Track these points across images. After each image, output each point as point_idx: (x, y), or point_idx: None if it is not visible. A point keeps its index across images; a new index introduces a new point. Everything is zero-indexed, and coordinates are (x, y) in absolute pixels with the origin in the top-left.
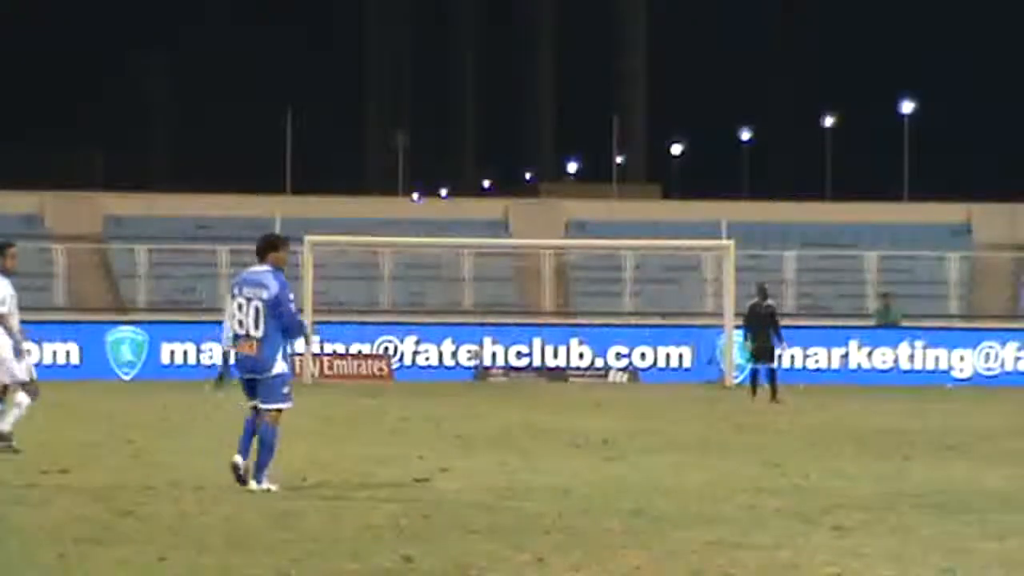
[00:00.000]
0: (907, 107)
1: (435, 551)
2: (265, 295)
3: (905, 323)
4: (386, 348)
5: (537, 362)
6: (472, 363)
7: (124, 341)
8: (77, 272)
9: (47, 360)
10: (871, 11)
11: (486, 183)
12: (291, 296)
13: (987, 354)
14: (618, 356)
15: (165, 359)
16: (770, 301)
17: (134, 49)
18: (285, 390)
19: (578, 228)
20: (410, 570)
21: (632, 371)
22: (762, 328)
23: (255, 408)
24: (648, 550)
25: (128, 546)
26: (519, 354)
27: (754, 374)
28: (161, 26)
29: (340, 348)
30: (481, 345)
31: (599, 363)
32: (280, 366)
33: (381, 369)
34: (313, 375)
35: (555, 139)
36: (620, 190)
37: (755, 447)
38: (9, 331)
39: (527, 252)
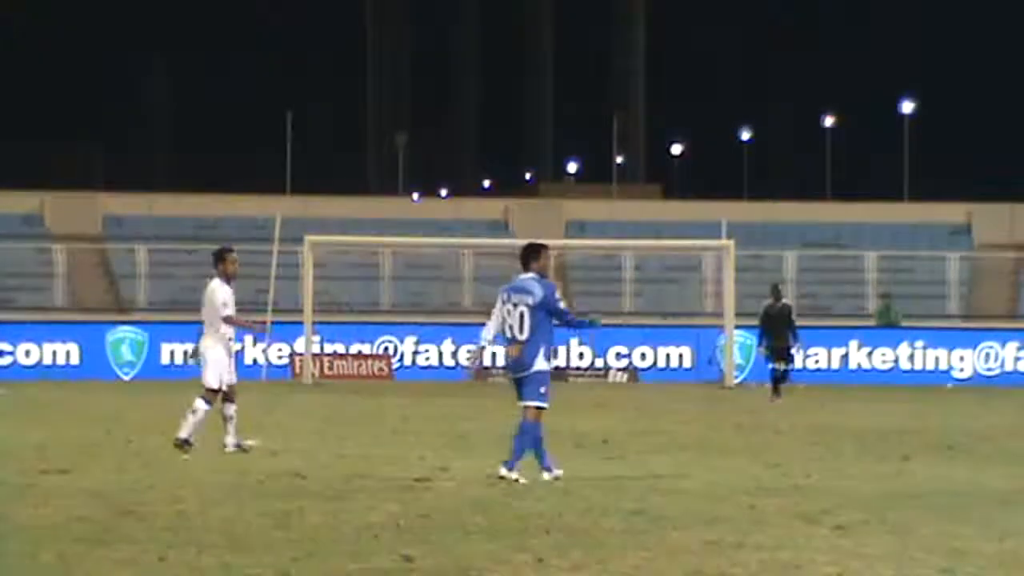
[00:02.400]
0: (907, 107)
1: (435, 551)
2: (530, 300)
3: (905, 323)
4: (386, 348)
5: None
6: (473, 364)
7: (124, 341)
8: (77, 272)
9: (47, 360)
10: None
11: (486, 183)
12: (558, 296)
13: (987, 354)
14: (618, 356)
15: (165, 359)
16: (785, 300)
17: (134, 49)
18: (543, 389)
19: (578, 228)
20: (410, 570)
21: (632, 371)
22: (779, 328)
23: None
24: (648, 550)
25: (128, 546)
26: None
27: (774, 374)
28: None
29: (340, 348)
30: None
31: (599, 363)
32: (540, 364)
33: (381, 369)
34: (313, 375)
35: (555, 139)
36: (620, 190)
37: (755, 447)
38: (225, 338)
39: None
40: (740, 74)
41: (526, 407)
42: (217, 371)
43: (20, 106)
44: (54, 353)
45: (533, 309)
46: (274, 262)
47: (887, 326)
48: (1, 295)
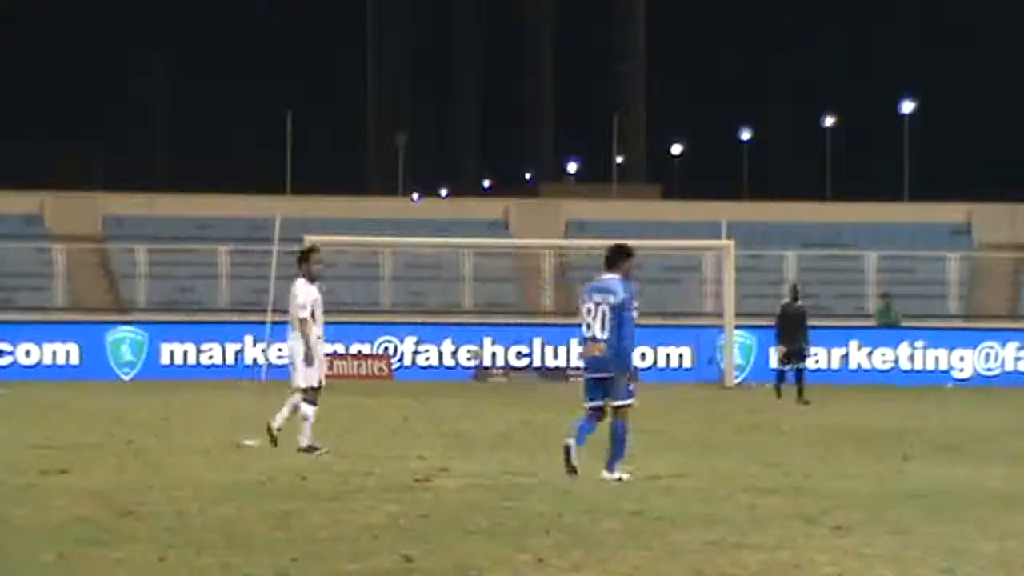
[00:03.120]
0: (907, 107)
1: (435, 551)
2: (612, 300)
3: (905, 323)
4: (386, 348)
5: (537, 362)
6: (473, 363)
7: (124, 341)
8: (77, 272)
9: (47, 360)
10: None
11: (486, 183)
12: (635, 304)
13: (987, 354)
14: None
15: (165, 359)
16: (801, 302)
17: (134, 49)
18: (631, 387)
19: (578, 228)
20: (410, 570)
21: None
22: (795, 329)
23: (593, 409)
24: (648, 550)
25: (128, 546)
26: (519, 354)
27: (780, 375)
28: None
29: (340, 348)
30: (481, 345)
31: None
32: (627, 365)
33: (381, 369)
34: None
35: (555, 139)
36: (620, 190)
37: (755, 447)
38: (306, 337)
39: (527, 252)
40: (740, 74)
41: (615, 407)
42: (308, 371)
43: (20, 106)
44: (54, 353)
45: (615, 308)
46: (274, 262)
47: (887, 326)
48: (1, 295)
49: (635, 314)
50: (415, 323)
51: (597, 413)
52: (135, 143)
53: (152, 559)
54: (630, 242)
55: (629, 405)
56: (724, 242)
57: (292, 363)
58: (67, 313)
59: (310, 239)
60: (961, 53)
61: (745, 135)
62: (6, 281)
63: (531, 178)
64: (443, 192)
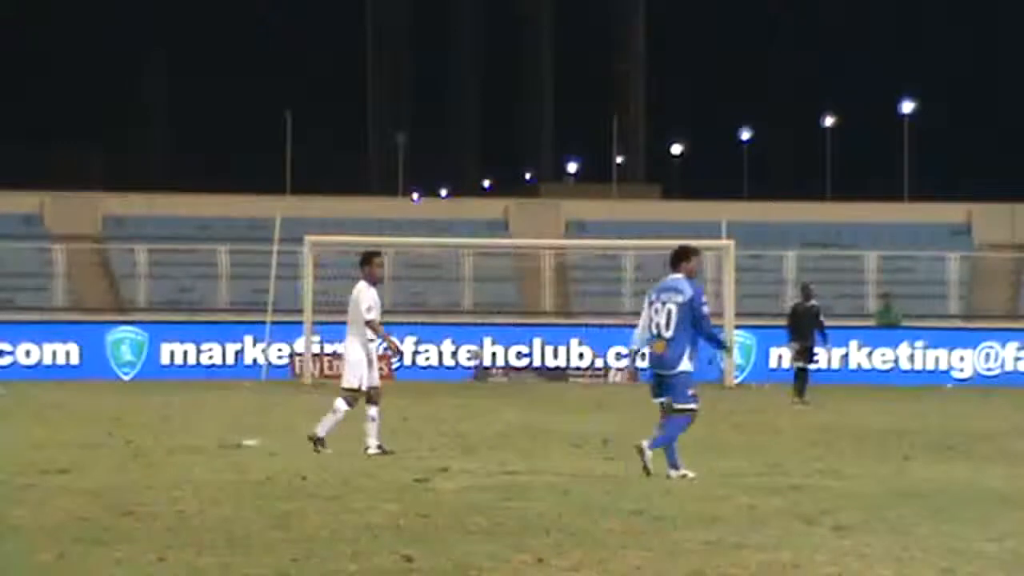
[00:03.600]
0: (907, 107)
1: (435, 551)
2: (680, 299)
3: (905, 323)
4: (386, 348)
5: (537, 362)
6: (472, 363)
7: (124, 341)
8: (77, 272)
9: (47, 360)
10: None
11: (486, 183)
12: (704, 300)
13: (987, 354)
14: (618, 356)
15: (165, 359)
16: (814, 301)
17: (134, 49)
18: (690, 391)
19: (578, 228)
20: (410, 570)
21: (632, 371)
22: (806, 328)
23: (663, 405)
24: (648, 550)
25: (128, 546)
26: (519, 354)
27: (797, 373)
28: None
29: (340, 348)
30: (481, 345)
31: (599, 363)
32: (685, 365)
33: (381, 369)
34: (313, 375)
35: (555, 139)
36: (620, 190)
37: (755, 447)
38: (366, 339)
39: (527, 252)
40: (740, 74)
41: (675, 410)
42: (357, 372)
43: (20, 106)
44: (54, 353)
45: (681, 307)
46: (274, 262)
47: (887, 326)
48: (1, 295)
49: (706, 310)
50: (415, 323)
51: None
52: (135, 143)
53: (152, 559)
54: (628, 242)
55: (690, 409)
56: (724, 242)
57: (345, 360)
58: (67, 313)
59: (310, 239)
60: (961, 53)
61: (745, 135)
62: (6, 281)
63: (531, 178)
64: (443, 192)
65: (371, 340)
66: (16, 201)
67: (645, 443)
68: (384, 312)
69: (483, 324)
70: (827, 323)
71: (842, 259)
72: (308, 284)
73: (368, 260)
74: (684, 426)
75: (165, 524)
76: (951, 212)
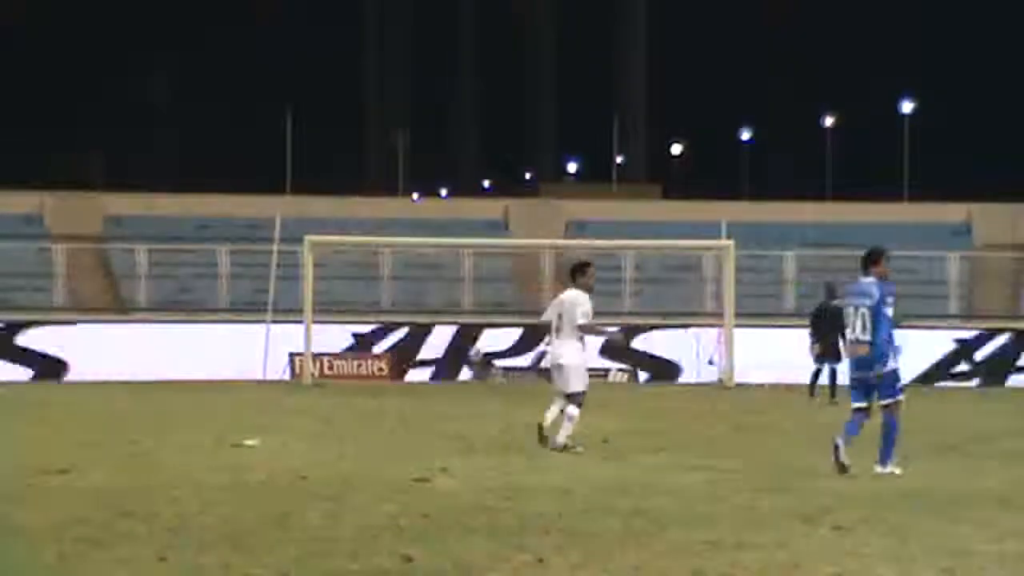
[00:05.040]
0: (907, 107)
1: (435, 551)
2: (869, 302)
3: (905, 323)
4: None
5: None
6: (472, 360)
7: (124, 341)
8: (77, 272)
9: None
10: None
11: (486, 183)
12: (890, 301)
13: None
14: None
15: (165, 359)
16: (837, 301)
17: (134, 49)
18: (898, 385)
19: (578, 228)
20: (410, 570)
21: (632, 371)
22: (829, 327)
23: (859, 409)
24: (648, 550)
25: (128, 546)
26: (517, 353)
27: (816, 374)
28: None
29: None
30: (481, 345)
31: (598, 363)
32: (891, 363)
33: (381, 369)
34: (313, 375)
35: (555, 139)
36: (620, 190)
37: (755, 447)
38: (582, 344)
39: (527, 252)
40: (740, 74)
41: (885, 405)
42: (581, 376)
43: (20, 106)
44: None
45: (872, 310)
46: (274, 262)
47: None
48: (1, 295)
49: (890, 311)
50: (415, 323)
51: (864, 412)
52: (135, 143)
53: (152, 559)
54: (628, 242)
55: (898, 401)
56: (724, 242)
57: (565, 367)
58: (67, 313)
59: (310, 239)
60: (961, 53)
61: (745, 135)
62: (6, 281)
63: (531, 178)
64: (443, 192)
65: (582, 342)
66: (16, 201)
67: (878, 468)
68: (384, 312)
69: (482, 324)
70: None
71: (842, 259)
72: (308, 284)
73: (583, 270)
74: (898, 424)
75: (165, 524)
76: (951, 212)
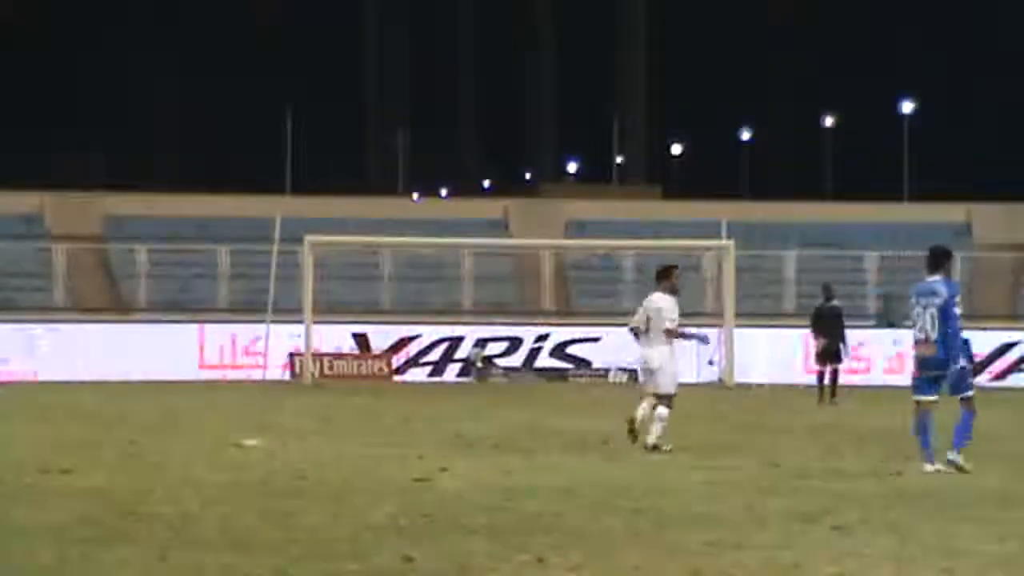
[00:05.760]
0: (907, 107)
1: (435, 551)
2: (938, 301)
3: (905, 323)
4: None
5: (537, 362)
6: (473, 359)
7: (125, 341)
8: (77, 272)
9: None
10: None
11: (486, 183)
12: (956, 301)
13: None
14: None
15: (164, 359)
16: (835, 302)
17: (134, 49)
18: (969, 380)
19: (578, 228)
20: (410, 570)
21: (632, 371)
22: (829, 328)
23: (928, 403)
24: (648, 550)
25: (128, 546)
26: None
27: (821, 376)
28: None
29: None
30: (482, 345)
31: (598, 363)
32: (960, 361)
33: (381, 369)
34: (313, 375)
35: (555, 139)
36: (620, 190)
37: (755, 447)
38: (687, 337)
39: (527, 252)
40: (740, 74)
41: (961, 399)
42: (671, 378)
43: (20, 106)
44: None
45: (941, 309)
46: (274, 262)
47: (887, 326)
48: (1, 295)
49: (958, 311)
50: (415, 323)
51: (933, 408)
52: (135, 143)
53: (152, 559)
54: (628, 242)
55: (971, 395)
56: (724, 242)
57: (655, 369)
58: (67, 313)
59: (310, 239)
60: (961, 53)
61: (745, 135)
62: (6, 281)
63: (531, 178)
64: (443, 192)
65: (671, 344)
66: (16, 201)
67: (951, 455)
68: (383, 312)
69: (483, 324)
70: None
71: (842, 259)
72: (308, 284)
73: (668, 273)
74: (971, 419)
75: (166, 524)
76: (951, 212)
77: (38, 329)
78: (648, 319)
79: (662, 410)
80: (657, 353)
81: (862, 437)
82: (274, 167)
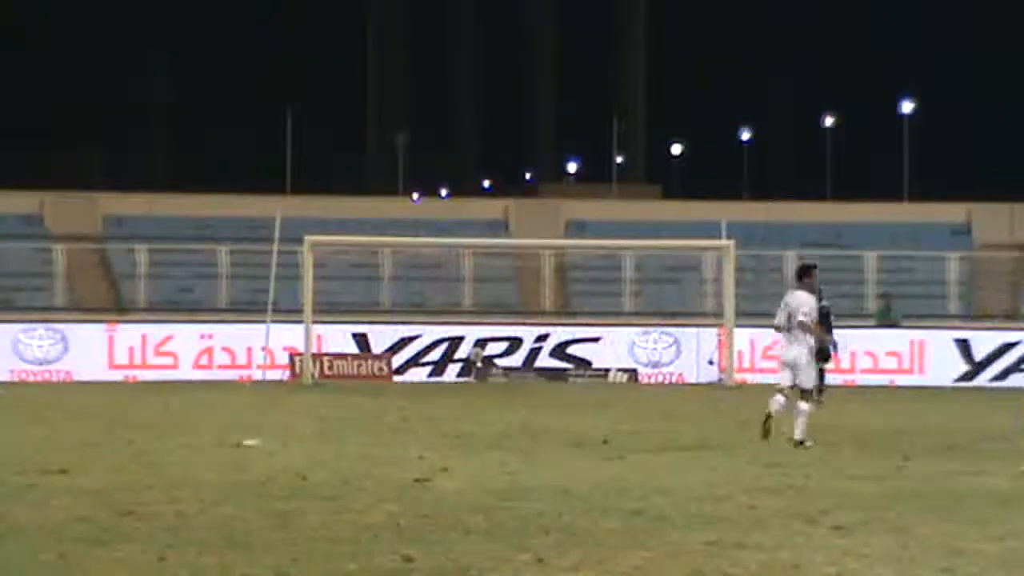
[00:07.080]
0: (907, 107)
1: (435, 551)
2: None
3: (905, 323)
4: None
5: (537, 362)
6: (472, 360)
7: (124, 340)
8: (77, 272)
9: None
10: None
11: (486, 183)
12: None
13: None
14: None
15: (165, 359)
16: (825, 302)
17: (134, 49)
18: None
19: (578, 228)
20: (410, 570)
21: (632, 371)
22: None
23: None
24: (648, 550)
25: (128, 546)
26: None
27: (820, 376)
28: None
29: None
30: (482, 345)
31: (598, 363)
32: None
33: (381, 369)
34: (313, 375)
35: (555, 139)
36: (620, 190)
37: (755, 447)
38: (816, 337)
39: (527, 252)
40: (740, 74)
41: None
42: (812, 374)
43: (20, 106)
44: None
45: None
46: (274, 262)
47: (887, 326)
48: (1, 295)
49: None
50: (415, 323)
51: None
52: (135, 143)
53: (152, 559)
54: (628, 242)
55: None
56: (724, 242)
57: (801, 365)
58: (67, 313)
59: (310, 239)
60: (961, 53)
61: (745, 135)
62: (6, 281)
63: (531, 178)
64: (443, 192)
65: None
66: (16, 201)
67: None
68: (383, 312)
69: (483, 324)
70: None
71: (842, 259)
72: (308, 284)
73: (808, 272)
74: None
75: (165, 524)
76: (951, 212)
77: (39, 329)
78: (789, 316)
79: (803, 405)
80: (797, 350)
81: (862, 437)
82: (274, 167)
